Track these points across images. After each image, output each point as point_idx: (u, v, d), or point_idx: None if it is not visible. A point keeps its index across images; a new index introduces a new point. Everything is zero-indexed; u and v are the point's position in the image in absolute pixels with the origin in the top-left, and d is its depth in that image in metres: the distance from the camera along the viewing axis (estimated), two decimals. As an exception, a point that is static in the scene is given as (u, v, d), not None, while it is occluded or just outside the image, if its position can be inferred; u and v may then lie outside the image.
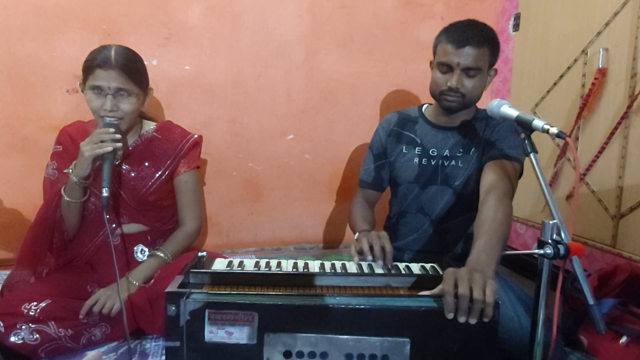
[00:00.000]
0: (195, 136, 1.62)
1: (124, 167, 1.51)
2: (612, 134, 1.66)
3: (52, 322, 1.29)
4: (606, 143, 1.68)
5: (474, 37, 1.33)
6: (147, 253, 1.55)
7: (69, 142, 1.51)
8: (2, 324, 1.25)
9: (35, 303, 1.30)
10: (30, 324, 1.26)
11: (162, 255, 1.49)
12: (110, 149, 1.31)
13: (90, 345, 1.34)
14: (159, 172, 1.53)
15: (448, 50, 1.35)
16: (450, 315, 0.89)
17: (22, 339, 1.25)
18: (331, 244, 2.30)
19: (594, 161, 1.73)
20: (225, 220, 2.17)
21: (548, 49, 2.00)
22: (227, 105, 2.08)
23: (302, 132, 2.18)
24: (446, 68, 1.36)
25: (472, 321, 0.89)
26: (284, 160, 2.19)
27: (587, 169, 1.76)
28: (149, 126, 1.59)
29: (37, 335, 1.26)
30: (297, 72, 2.13)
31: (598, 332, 0.88)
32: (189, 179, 1.58)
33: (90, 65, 1.36)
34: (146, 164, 1.52)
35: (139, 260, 1.53)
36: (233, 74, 2.07)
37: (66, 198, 1.40)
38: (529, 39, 2.12)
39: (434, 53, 1.44)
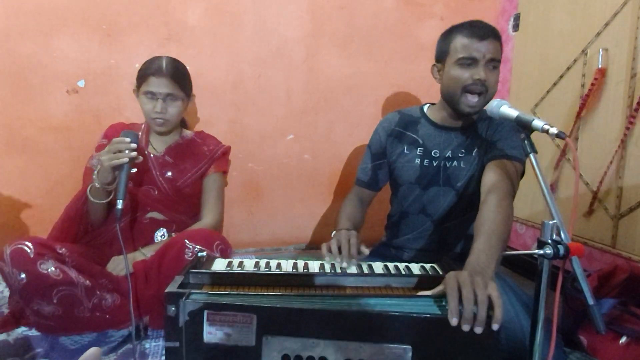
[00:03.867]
0: (226, 145, 1.81)
1: (167, 159, 1.67)
2: (623, 141, 1.63)
3: (74, 270, 1.38)
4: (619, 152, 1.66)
5: (492, 30, 1.35)
6: (166, 237, 1.65)
7: (115, 137, 1.59)
8: (33, 249, 1.33)
9: (65, 249, 1.41)
10: (56, 261, 1.35)
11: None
12: (126, 159, 1.38)
13: (98, 310, 1.38)
14: (195, 169, 1.71)
15: (470, 44, 1.33)
16: (454, 321, 0.84)
17: (47, 270, 1.32)
18: (331, 244, 2.30)
19: (605, 172, 1.70)
20: (225, 220, 2.15)
21: (548, 49, 2.00)
22: (227, 106, 2.09)
23: (302, 133, 2.18)
24: (470, 61, 1.33)
25: (478, 330, 0.84)
26: (284, 160, 2.19)
27: (600, 182, 1.72)
28: (188, 132, 1.79)
29: (60, 272, 1.34)
30: (297, 72, 2.13)
31: (598, 332, 0.87)
32: (216, 180, 1.76)
33: (145, 74, 1.56)
34: (185, 159, 1.71)
35: (156, 242, 1.64)
36: (233, 74, 2.07)
37: (92, 199, 1.49)
38: (528, 39, 2.12)
39: (447, 53, 1.39)
